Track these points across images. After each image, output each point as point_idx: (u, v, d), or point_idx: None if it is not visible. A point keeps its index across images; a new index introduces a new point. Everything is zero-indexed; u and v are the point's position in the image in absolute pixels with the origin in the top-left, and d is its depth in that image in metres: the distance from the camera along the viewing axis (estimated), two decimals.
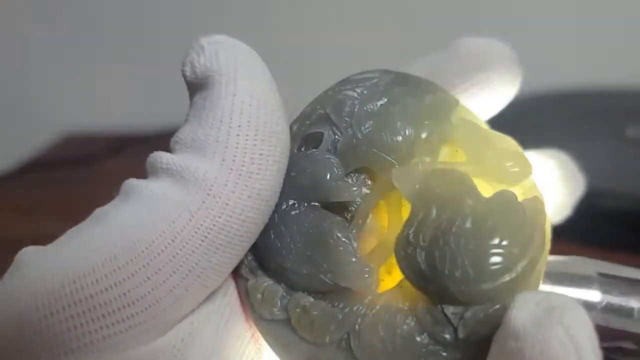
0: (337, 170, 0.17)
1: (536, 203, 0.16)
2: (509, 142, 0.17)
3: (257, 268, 0.17)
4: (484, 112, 0.20)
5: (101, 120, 0.61)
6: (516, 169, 0.17)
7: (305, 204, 0.17)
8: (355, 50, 0.53)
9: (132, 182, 0.16)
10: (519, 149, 0.17)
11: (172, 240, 0.15)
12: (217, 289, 0.17)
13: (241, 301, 0.18)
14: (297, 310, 0.17)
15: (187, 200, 0.15)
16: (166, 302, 0.15)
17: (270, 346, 0.17)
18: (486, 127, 0.18)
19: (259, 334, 0.17)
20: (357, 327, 0.16)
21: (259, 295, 0.17)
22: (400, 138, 0.17)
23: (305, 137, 0.18)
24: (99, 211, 0.16)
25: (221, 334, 0.17)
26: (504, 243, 0.15)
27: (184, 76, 0.17)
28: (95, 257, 0.15)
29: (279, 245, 0.17)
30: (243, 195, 0.16)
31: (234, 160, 0.16)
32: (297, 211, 0.17)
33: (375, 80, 0.18)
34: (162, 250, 0.15)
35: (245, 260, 0.17)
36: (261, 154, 0.16)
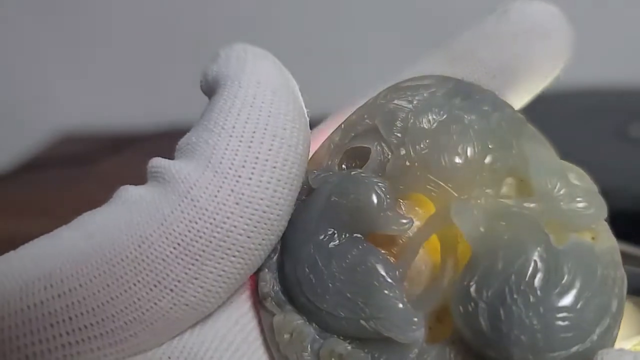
0: (386, 198, 0.15)
1: (613, 255, 0.14)
2: (582, 175, 0.15)
3: (286, 302, 0.15)
4: (525, 91, 0.18)
5: (100, 120, 0.61)
6: (590, 212, 0.14)
7: (346, 235, 0.15)
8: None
9: (121, 188, 0.15)
10: (593, 185, 0.15)
11: (139, 246, 0.13)
12: (222, 314, 0.15)
13: (263, 336, 0.16)
14: (332, 359, 0.14)
15: (162, 203, 0.14)
16: (129, 315, 0.13)
17: None
18: (553, 152, 0.16)
19: None
20: None
21: (286, 335, 0.15)
22: (461, 163, 0.15)
23: (348, 150, 0.16)
24: (82, 215, 0.15)
25: None
26: (578, 306, 0.13)
27: (201, 87, 0.16)
28: (54, 261, 0.13)
29: (313, 281, 0.15)
30: (228, 201, 0.14)
31: (221, 163, 0.14)
32: (337, 242, 0.15)
33: (432, 90, 0.16)
34: (127, 256, 0.13)
35: (272, 292, 0.15)
36: (257, 158, 0.14)
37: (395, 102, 0.16)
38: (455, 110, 0.15)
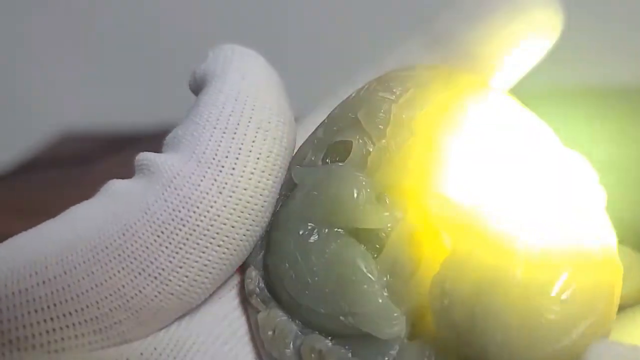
0: (366, 191, 0.14)
1: (605, 250, 0.13)
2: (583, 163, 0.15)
3: (271, 299, 0.15)
4: (512, 69, 0.17)
5: (100, 120, 0.61)
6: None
7: (327, 230, 0.15)
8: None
9: (109, 182, 0.15)
10: (594, 173, 0.14)
11: (123, 234, 0.14)
12: (211, 309, 0.15)
13: (251, 332, 0.16)
14: (312, 355, 0.14)
15: (146, 193, 0.14)
16: (113, 303, 0.14)
17: None
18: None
19: None
20: None
21: (270, 332, 0.15)
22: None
23: (331, 145, 0.15)
24: (69, 208, 0.15)
25: (220, 355, 0.15)
26: (562, 298, 0.12)
27: (189, 86, 0.16)
28: (40, 249, 0.14)
29: (293, 276, 0.14)
30: (211, 190, 0.14)
31: (204, 153, 0.14)
32: (317, 237, 0.14)
33: (416, 80, 0.15)
34: (111, 244, 0.14)
35: (257, 289, 0.15)
36: (240, 149, 0.14)
37: (379, 94, 0.15)
38: (440, 100, 0.15)
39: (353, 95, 0.16)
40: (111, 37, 0.60)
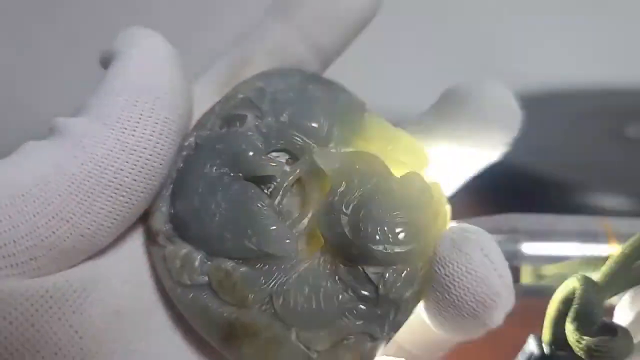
0: (260, 146, 0.18)
1: (437, 186, 0.19)
2: (410, 140, 0.20)
3: (176, 236, 0.18)
4: (461, 170, 0.21)
5: None
6: (412, 162, 0.19)
7: (232, 174, 0.18)
8: None
9: (24, 144, 0.17)
10: (419, 145, 0.20)
11: (37, 184, 0.16)
12: (117, 250, 0.17)
13: (152, 271, 0.18)
14: (219, 273, 0.17)
15: (57, 150, 0.16)
16: (29, 242, 0.16)
17: (188, 315, 0.17)
18: (394, 127, 0.20)
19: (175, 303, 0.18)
20: (280, 287, 0.17)
21: (177, 261, 0.17)
22: (316, 125, 0.19)
23: (229, 117, 0.19)
24: None
25: (121, 292, 0.17)
26: (414, 216, 0.17)
27: (100, 63, 0.19)
28: None
29: (201, 212, 0.18)
30: (115, 148, 0.16)
31: (109, 116, 0.17)
32: (222, 181, 0.18)
33: (289, 77, 0.20)
34: (27, 192, 0.16)
35: (164, 228, 0.18)
36: (141, 115, 0.17)
37: (263, 80, 0.19)
38: (310, 91, 0.19)
39: (240, 83, 0.20)
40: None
